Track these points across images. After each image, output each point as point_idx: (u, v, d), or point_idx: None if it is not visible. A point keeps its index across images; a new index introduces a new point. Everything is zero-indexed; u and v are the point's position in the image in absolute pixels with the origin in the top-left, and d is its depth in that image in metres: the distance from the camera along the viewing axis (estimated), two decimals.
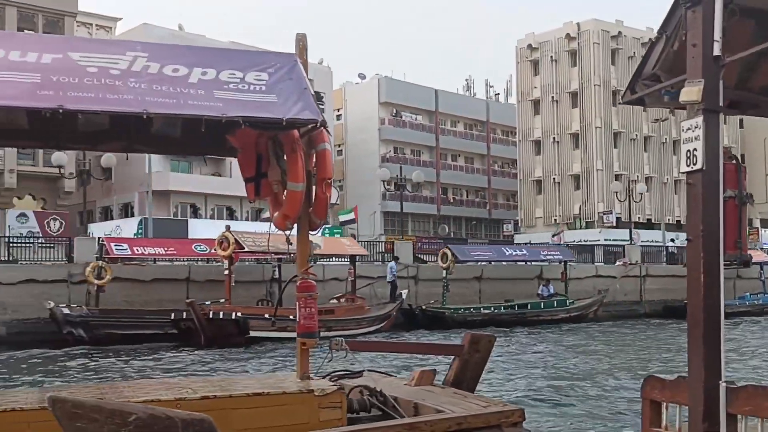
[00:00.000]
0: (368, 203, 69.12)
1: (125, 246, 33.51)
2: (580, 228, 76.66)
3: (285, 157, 7.81)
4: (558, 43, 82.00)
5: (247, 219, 59.61)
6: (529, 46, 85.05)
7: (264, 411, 6.97)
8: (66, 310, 29.03)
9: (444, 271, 38.80)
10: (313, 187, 7.85)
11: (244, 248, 29.50)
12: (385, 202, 72.50)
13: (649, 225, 79.42)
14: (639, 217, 79.60)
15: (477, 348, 8.73)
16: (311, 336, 8.06)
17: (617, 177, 78.76)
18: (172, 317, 29.31)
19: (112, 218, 55.61)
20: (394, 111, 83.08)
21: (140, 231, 41.82)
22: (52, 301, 29.42)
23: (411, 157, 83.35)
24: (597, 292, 43.06)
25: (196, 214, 56.70)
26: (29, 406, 6.24)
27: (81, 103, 6.45)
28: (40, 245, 34.99)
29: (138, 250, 33.79)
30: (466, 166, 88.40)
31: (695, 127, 5.06)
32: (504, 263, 43.54)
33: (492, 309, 38.16)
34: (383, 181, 70.02)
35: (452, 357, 8.96)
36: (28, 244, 34.93)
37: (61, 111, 6.33)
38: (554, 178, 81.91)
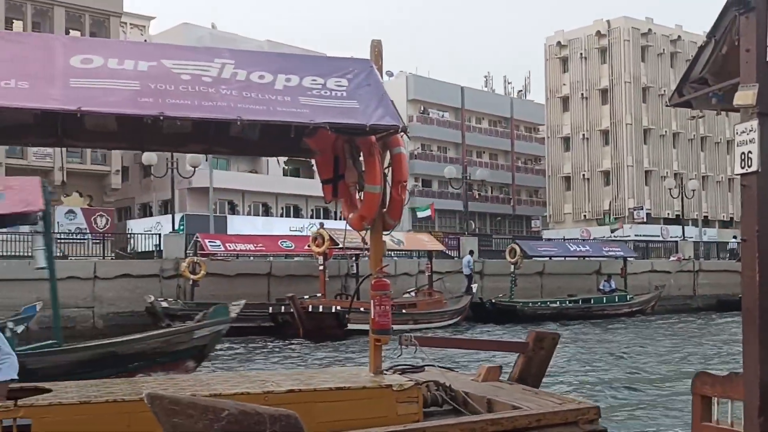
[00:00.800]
0: None
1: (218, 242, 34.31)
2: (610, 224, 76.47)
3: (361, 160, 8.03)
4: (588, 41, 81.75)
5: (282, 215, 59.89)
6: (558, 43, 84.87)
7: (345, 404, 7.15)
8: (164, 304, 29.67)
9: (512, 266, 39.17)
10: (389, 189, 8.01)
11: (338, 245, 29.72)
12: (413, 198, 72.44)
13: (677, 221, 79.16)
14: (668, 213, 79.36)
15: (541, 345, 8.86)
16: (385, 333, 8.20)
17: (647, 173, 78.56)
18: (270, 311, 29.76)
19: (151, 215, 55.91)
20: (422, 108, 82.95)
21: (181, 227, 42.06)
22: (148, 295, 30.32)
23: (438, 153, 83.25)
24: (654, 287, 43.39)
25: (233, 210, 56.89)
26: (129, 398, 6.49)
27: (179, 110, 6.66)
28: (84, 241, 35.49)
29: (230, 246, 34.48)
30: (490, 162, 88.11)
31: (750, 131, 5.11)
32: (563, 259, 43.92)
33: (559, 303, 38.52)
34: (417, 179, 70.00)
35: (516, 354, 9.11)
36: (78, 240, 35.48)
37: (162, 118, 6.56)
38: (583, 174, 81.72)
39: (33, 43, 7.31)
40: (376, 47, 8.51)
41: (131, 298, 31.30)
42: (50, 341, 15.05)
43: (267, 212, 60.17)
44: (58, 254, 33.62)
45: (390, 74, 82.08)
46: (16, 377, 6.84)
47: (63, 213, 42.35)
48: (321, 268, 30.45)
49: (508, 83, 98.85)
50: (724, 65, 5.60)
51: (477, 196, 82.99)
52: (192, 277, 31.28)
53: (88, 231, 39.27)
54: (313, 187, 57.29)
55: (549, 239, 58.94)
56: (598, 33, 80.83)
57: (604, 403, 14.36)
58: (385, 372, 8.20)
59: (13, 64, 6.52)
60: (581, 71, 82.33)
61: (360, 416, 6.97)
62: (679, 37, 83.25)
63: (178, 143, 8.41)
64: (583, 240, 54.99)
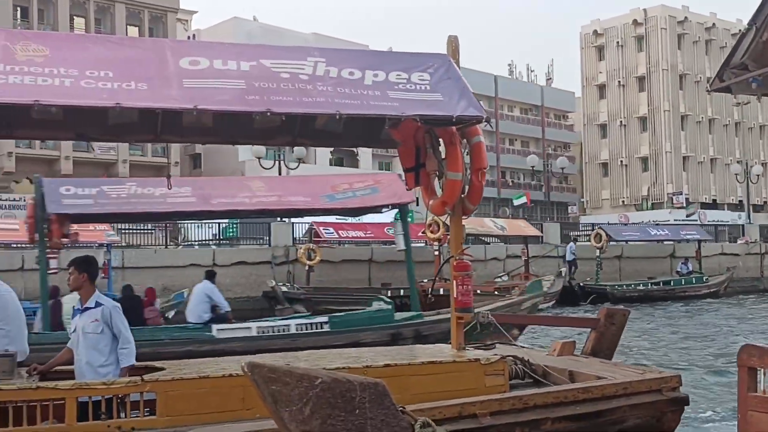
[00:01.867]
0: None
1: (332, 230, 34.72)
2: (648, 209, 76.19)
3: (440, 149, 8.34)
4: (624, 29, 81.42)
5: None
6: (595, 32, 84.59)
7: (437, 377, 7.47)
8: (284, 288, 30.38)
9: (598, 251, 39.66)
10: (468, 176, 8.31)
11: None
12: None
13: (714, 205, 78.80)
14: (705, 198, 79.00)
15: (612, 321, 9.16)
16: (467, 311, 8.53)
17: (685, 159, 78.17)
18: (389, 294, 30.29)
19: None
20: None
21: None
22: (270, 280, 30.92)
23: None
24: (726, 269, 43.85)
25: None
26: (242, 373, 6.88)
27: (283, 107, 7.05)
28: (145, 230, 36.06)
29: (342, 234, 34.95)
30: (522, 150, 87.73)
31: None
32: (639, 243, 44.21)
33: (645, 285, 39.04)
34: None
35: (588, 329, 9.41)
36: (143, 230, 36.03)
37: (269, 114, 6.93)
38: (621, 161, 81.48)
39: (145, 47, 7.73)
40: (453, 43, 8.82)
41: (246, 284, 32.35)
42: (414, 313, 17.20)
43: None
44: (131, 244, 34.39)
45: None
46: (135, 362, 7.23)
47: None
48: (436, 253, 30.71)
49: (531, 71, 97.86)
50: (765, 51, 5.76)
51: (511, 183, 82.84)
52: (308, 262, 31.91)
53: None
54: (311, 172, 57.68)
55: (659, 223, 58.70)
56: (635, 21, 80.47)
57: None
58: (467, 348, 8.54)
59: (130, 67, 6.90)
60: (618, 59, 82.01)
61: (450, 388, 7.21)
62: (713, 24, 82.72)
63: (267, 136, 8.69)
64: (664, 224, 54.99)
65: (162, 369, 7.17)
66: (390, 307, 17.44)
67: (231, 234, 39.64)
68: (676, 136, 78.36)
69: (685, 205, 73.91)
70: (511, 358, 8.19)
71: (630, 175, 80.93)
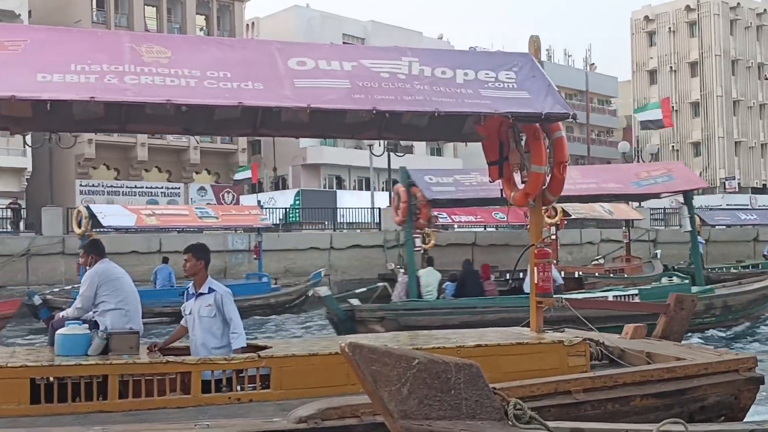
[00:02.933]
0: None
1: (445, 215, 34.69)
2: (699, 194, 75.45)
3: (522, 144, 8.62)
4: (676, 15, 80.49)
5: (383, 190, 60.36)
6: (646, 18, 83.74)
7: (524, 357, 7.86)
8: (402, 270, 31.04)
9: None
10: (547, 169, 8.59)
11: (570, 216, 30.42)
12: None
13: (763, 190, 77.97)
14: (756, 182, 78.14)
15: (682, 306, 9.47)
16: (547, 296, 8.86)
17: (737, 144, 77.32)
18: (507, 277, 30.79)
19: (262, 191, 56.96)
20: None
21: (297, 202, 42.98)
22: (389, 263, 31.81)
23: None
24: None
25: (340, 185, 57.51)
26: None
27: (387, 105, 7.40)
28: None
29: (456, 219, 34.95)
30: (567, 135, 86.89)
31: None
32: (726, 227, 44.32)
33: (736, 269, 38.98)
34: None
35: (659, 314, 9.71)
36: None
37: (374, 111, 7.32)
38: (673, 146, 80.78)
39: (254, 48, 8.13)
40: (535, 42, 9.12)
41: (360, 266, 33.12)
42: (706, 287, 18.72)
43: (368, 186, 60.76)
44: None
45: (472, 49, 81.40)
46: (245, 345, 7.65)
47: (195, 190, 43.83)
48: (554, 237, 30.98)
49: (568, 56, 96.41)
50: None
51: None
52: (423, 246, 32.51)
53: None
54: (409, 163, 57.99)
55: (749, 208, 58.50)
56: (687, 7, 79.50)
57: None
58: (545, 331, 8.88)
59: (245, 68, 7.29)
60: (669, 45, 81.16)
61: (536, 367, 7.60)
62: (765, 10, 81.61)
63: (356, 130, 8.99)
64: (754, 209, 54.95)
65: (269, 347, 7.61)
66: (687, 281, 18.68)
67: (292, 219, 40.24)
68: (728, 121, 77.50)
69: (737, 189, 73.12)
70: (588, 339, 8.47)
71: (681, 160, 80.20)
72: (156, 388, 6.81)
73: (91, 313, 7.82)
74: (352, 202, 44.00)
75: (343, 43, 61.25)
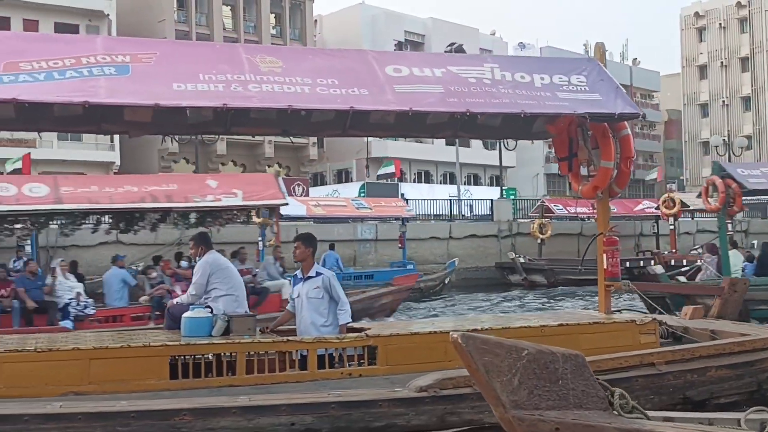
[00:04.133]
0: (531, 166, 68.02)
1: (560, 206, 35.71)
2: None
3: (588, 141, 9.02)
4: (727, 11, 79.57)
5: (441, 182, 60.63)
6: (696, 14, 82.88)
7: (601, 336, 8.37)
8: (521, 260, 31.95)
9: None
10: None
11: (689, 207, 30.64)
12: (548, 165, 71.71)
13: None
14: None
15: (735, 289, 10.01)
16: (615, 280, 9.35)
17: None
18: (627, 266, 31.14)
19: (324, 183, 57.33)
20: None
21: (362, 194, 43.20)
22: (510, 252, 32.71)
23: None
24: None
25: (402, 178, 57.72)
26: (445, 330, 7.90)
27: (479, 108, 7.93)
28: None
29: (571, 210, 35.40)
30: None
31: None
32: None
33: None
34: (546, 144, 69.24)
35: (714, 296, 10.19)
36: None
37: (468, 114, 7.84)
38: (724, 140, 79.91)
39: (352, 57, 8.60)
40: (600, 49, 9.56)
41: (476, 255, 33.83)
42: None
43: (428, 179, 61.06)
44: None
45: (522, 46, 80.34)
46: (351, 321, 8.24)
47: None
48: (672, 228, 31.28)
49: (606, 51, 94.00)
50: None
51: None
52: (540, 236, 33.05)
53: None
54: (467, 155, 58.28)
55: None
56: (738, 4, 78.50)
57: None
58: (615, 311, 9.38)
59: (349, 75, 7.83)
60: (720, 40, 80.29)
61: (612, 344, 8.05)
62: None
63: (436, 131, 9.46)
64: None
65: (368, 328, 8.17)
66: None
67: None
68: None
69: None
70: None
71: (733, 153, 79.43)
72: (278, 365, 7.43)
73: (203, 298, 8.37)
74: (414, 194, 44.29)
75: (405, 40, 61.63)
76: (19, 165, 28.26)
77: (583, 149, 9.17)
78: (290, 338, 7.67)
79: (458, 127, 9.09)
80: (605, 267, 9.20)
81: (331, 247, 27.33)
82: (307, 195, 41.91)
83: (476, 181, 63.98)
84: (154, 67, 7.29)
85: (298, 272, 8.39)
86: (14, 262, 22.90)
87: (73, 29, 45.71)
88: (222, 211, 16.58)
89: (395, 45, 60.19)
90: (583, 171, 9.44)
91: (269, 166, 50.58)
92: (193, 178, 18.99)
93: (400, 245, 28.93)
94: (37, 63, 6.99)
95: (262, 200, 16.48)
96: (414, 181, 57.27)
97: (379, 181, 47.51)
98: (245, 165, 51.82)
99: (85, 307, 15.24)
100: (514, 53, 76.24)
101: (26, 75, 6.83)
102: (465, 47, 64.31)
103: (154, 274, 16.79)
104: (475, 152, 60.61)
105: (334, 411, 6.15)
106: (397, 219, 29.80)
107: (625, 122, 9.02)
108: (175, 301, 8.85)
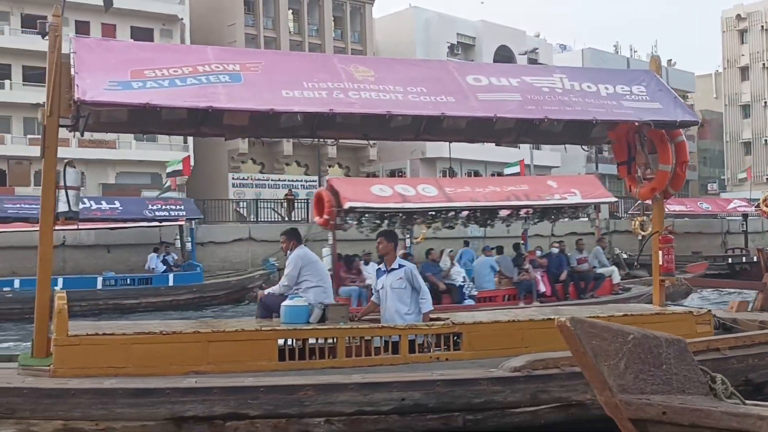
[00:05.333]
0: (571, 165, 67.17)
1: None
2: None
3: (645, 146, 9.29)
4: None
5: None
6: (738, 16, 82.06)
7: (662, 325, 8.50)
8: (624, 255, 32.10)
9: None
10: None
11: None
12: (590, 165, 71.23)
13: None
14: None
15: None
16: (670, 275, 9.75)
17: None
18: (729, 261, 31.34)
19: None
20: None
21: None
22: (614, 248, 33.04)
23: None
24: None
25: (453, 177, 57.41)
26: (523, 318, 8.49)
27: (556, 114, 8.29)
28: None
29: (671, 209, 34.78)
30: None
31: None
32: None
33: None
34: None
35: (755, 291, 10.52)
36: None
37: (546, 120, 8.19)
38: (766, 140, 79.24)
39: (436, 67, 8.99)
40: (656, 61, 9.95)
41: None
42: None
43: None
44: None
45: (563, 47, 79.47)
46: (433, 309, 8.70)
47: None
48: None
49: (634, 52, 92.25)
50: None
51: None
52: (642, 233, 32.86)
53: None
54: (515, 155, 58.01)
55: None
56: None
57: None
58: (668, 304, 9.78)
59: (435, 84, 8.17)
60: (762, 42, 79.44)
61: (672, 333, 8.41)
62: None
63: (501, 135, 9.71)
64: None
65: (447, 318, 8.58)
66: None
67: None
68: None
69: None
70: None
71: None
72: (373, 349, 7.95)
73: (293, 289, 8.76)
74: None
75: (458, 42, 61.58)
76: (179, 167, 29.50)
77: (641, 154, 9.48)
78: (385, 325, 8.12)
79: (522, 132, 9.30)
80: (660, 263, 9.58)
81: (466, 244, 27.74)
82: None
83: None
84: (262, 75, 7.68)
85: (382, 265, 8.84)
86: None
87: (148, 33, 46.74)
88: (563, 208, 17.72)
89: (448, 47, 60.29)
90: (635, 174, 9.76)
91: (330, 167, 51.20)
92: (536, 180, 20.37)
93: (522, 241, 29.05)
94: (159, 71, 7.40)
95: (597, 198, 17.86)
96: None
97: None
98: (308, 165, 52.24)
99: (472, 288, 16.93)
100: (558, 55, 75.62)
101: (152, 82, 7.25)
102: (513, 49, 64.47)
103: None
104: (523, 152, 60.61)
105: (440, 388, 6.70)
106: None
107: (680, 130, 9.34)
108: (266, 291, 9.22)
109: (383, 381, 6.73)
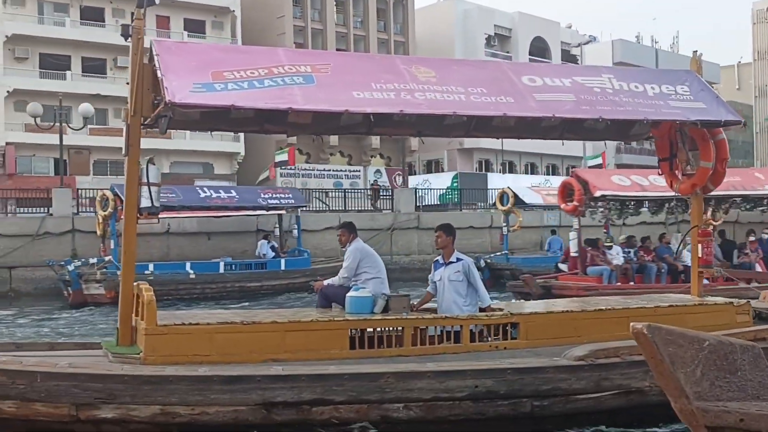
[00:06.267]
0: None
1: None
2: None
3: (686, 144, 9.35)
4: None
5: (525, 172, 60.27)
6: None
7: (704, 315, 8.92)
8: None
9: None
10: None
11: None
12: (618, 155, 70.48)
13: None
14: None
15: None
16: (708, 267, 9.93)
17: None
18: None
19: (413, 174, 56.43)
20: None
21: (455, 183, 43.37)
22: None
23: None
24: None
25: (488, 168, 57.39)
26: (575, 309, 8.73)
27: (610, 114, 8.35)
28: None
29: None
30: None
31: None
32: None
33: None
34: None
35: None
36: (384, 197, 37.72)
37: (600, 119, 8.26)
38: None
39: (492, 68, 9.16)
40: (696, 62, 9.93)
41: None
42: None
43: (511, 169, 60.75)
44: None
45: (593, 38, 78.15)
46: (490, 304, 8.78)
47: (372, 172, 45.55)
48: None
49: (656, 42, 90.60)
50: None
51: None
52: (714, 223, 32.78)
53: (390, 187, 40.55)
54: (546, 146, 57.69)
55: None
56: None
57: None
58: (707, 296, 9.88)
59: (493, 85, 8.27)
60: None
61: (713, 323, 8.51)
62: None
63: (546, 132, 9.55)
64: None
65: (501, 309, 8.75)
66: None
67: (449, 199, 41.08)
68: None
69: None
70: None
71: None
72: (436, 338, 8.14)
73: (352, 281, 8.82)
74: (499, 183, 44.11)
75: (495, 33, 61.31)
76: (285, 157, 30.33)
77: (682, 151, 9.53)
78: (447, 315, 8.28)
79: (566, 129, 9.32)
80: (699, 255, 9.66)
81: (553, 232, 28.50)
82: (406, 185, 42.28)
83: (554, 171, 63.58)
84: (332, 77, 7.79)
85: (439, 258, 8.91)
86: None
87: (200, 25, 47.56)
88: None
89: (485, 38, 60.09)
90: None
91: (372, 157, 51.52)
92: (744, 173, 21.15)
93: (605, 230, 29.32)
94: (237, 72, 7.54)
95: None
96: (500, 172, 56.84)
97: (468, 172, 47.39)
98: (351, 156, 52.77)
99: None
100: (588, 46, 74.17)
101: (232, 84, 7.39)
102: (547, 40, 63.98)
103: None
104: (554, 143, 60.14)
105: (510, 376, 6.95)
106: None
107: (720, 128, 9.37)
108: (325, 282, 9.24)
109: (458, 369, 6.97)
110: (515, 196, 26.44)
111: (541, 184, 47.09)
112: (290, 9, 51.08)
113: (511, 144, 58.33)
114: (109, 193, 22.97)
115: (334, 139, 48.67)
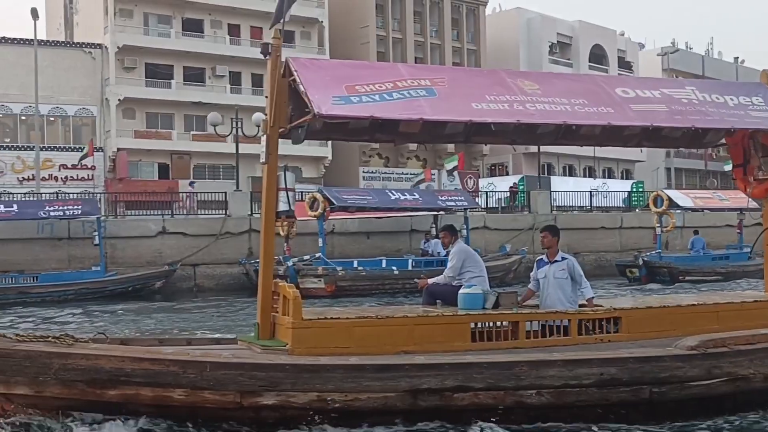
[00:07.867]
0: (652, 160, 64.47)
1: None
2: None
3: (759, 150, 9.36)
4: None
5: (583, 175, 59.83)
6: None
7: (749, 312, 8.92)
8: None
9: None
10: None
11: None
12: (669, 159, 69.05)
13: None
14: None
15: None
16: None
17: None
18: None
19: (479, 177, 57.11)
20: (674, 77, 76.16)
21: (521, 185, 42.96)
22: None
23: None
24: None
25: (550, 171, 56.74)
26: (672, 305, 8.91)
27: (701, 124, 8.41)
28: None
29: None
30: None
31: None
32: None
33: None
34: None
35: None
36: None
37: (693, 128, 8.40)
38: None
39: (587, 81, 9.14)
40: (766, 74, 9.85)
41: (713, 243, 32.45)
42: None
43: (571, 172, 60.38)
44: None
45: (641, 46, 76.21)
46: (594, 295, 9.03)
47: (446, 175, 45.56)
48: None
49: (689, 48, 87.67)
50: None
51: (714, 156, 77.39)
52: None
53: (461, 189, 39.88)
54: (603, 150, 56.99)
55: None
56: None
57: None
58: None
59: (591, 96, 8.28)
60: None
61: (759, 321, 8.58)
62: None
63: (627, 140, 9.30)
64: None
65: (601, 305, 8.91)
66: None
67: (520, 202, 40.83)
68: None
69: None
70: None
71: None
72: (547, 331, 8.24)
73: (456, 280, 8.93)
74: (561, 186, 43.82)
75: (558, 42, 60.88)
76: (455, 163, 30.64)
77: (755, 157, 9.57)
78: (556, 310, 8.48)
79: (644, 137, 9.19)
80: None
81: (695, 233, 28.36)
82: (476, 188, 42.20)
83: (610, 175, 62.98)
84: (450, 89, 7.89)
85: (544, 256, 9.12)
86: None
87: (289, 35, 47.70)
88: None
89: (549, 46, 59.74)
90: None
91: (409, 159, 52.11)
92: None
93: (738, 230, 29.41)
94: (367, 86, 7.65)
95: None
96: (561, 175, 56.47)
97: (532, 175, 47.14)
98: (426, 159, 52.88)
99: None
100: (640, 53, 72.73)
101: (366, 96, 7.54)
102: (605, 48, 63.19)
103: None
104: (610, 147, 59.41)
105: (631, 364, 7.19)
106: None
107: None
108: (430, 281, 9.34)
109: (585, 358, 7.18)
110: (669, 199, 26.76)
111: (599, 187, 46.67)
112: (373, 20, 51.65)
113: (570, 148, 58.10)
114: (318, 195, 24.15)
115: (412, 145, 48.80)
